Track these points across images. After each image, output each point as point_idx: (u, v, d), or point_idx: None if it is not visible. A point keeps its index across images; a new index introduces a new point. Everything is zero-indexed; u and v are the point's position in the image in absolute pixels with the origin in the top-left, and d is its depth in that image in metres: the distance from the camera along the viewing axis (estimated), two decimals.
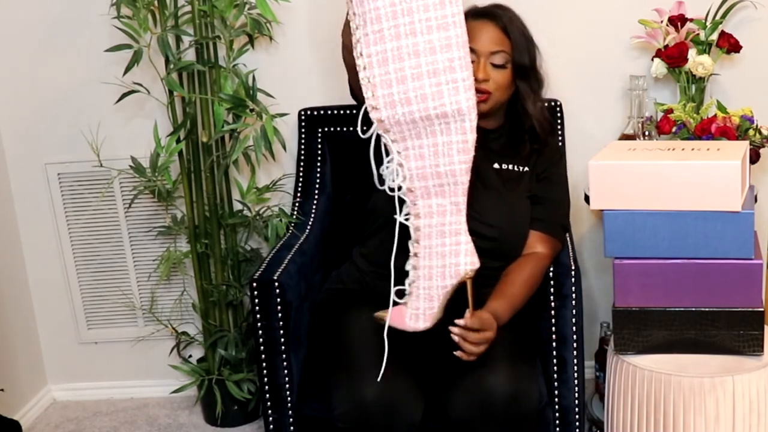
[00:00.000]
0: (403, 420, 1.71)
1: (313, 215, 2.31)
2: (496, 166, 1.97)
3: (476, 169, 1.94)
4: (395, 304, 1.72)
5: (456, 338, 1.69)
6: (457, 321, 1.69)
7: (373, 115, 1.64)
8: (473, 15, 1.95)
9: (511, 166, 1.98)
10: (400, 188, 1.68)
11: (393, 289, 1.72)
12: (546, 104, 2.06)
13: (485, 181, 1.95)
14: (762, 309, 1.84)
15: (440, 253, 1.67)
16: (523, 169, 1.99)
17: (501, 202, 1.93)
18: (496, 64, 1.91)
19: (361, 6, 1.60)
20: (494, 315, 1.77)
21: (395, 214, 1.70)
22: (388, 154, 1.67)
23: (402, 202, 1.69)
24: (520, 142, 2.01)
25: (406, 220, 1.69)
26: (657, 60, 2.30)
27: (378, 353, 1.76)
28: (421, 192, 1.66)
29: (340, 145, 2.39)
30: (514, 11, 1.97)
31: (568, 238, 2.05)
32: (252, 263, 2.46)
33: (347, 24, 1.79)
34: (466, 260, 1.66)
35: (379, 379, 1.71)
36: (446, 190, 1.64)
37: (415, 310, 1.70)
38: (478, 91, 1.90)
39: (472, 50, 1.90)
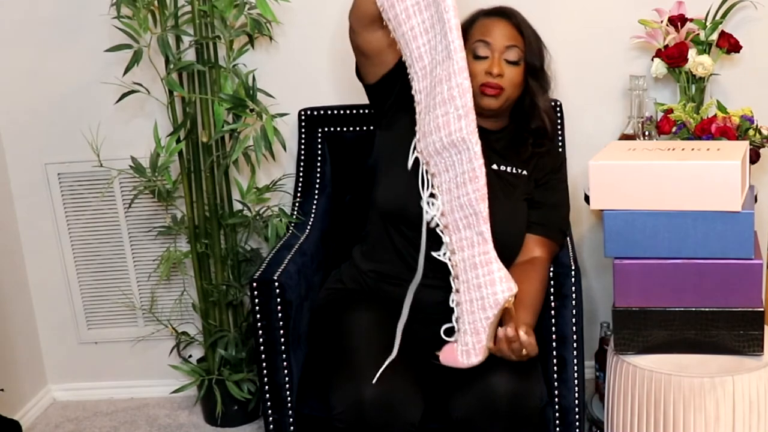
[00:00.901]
0: (401, 419, 1.71)
1: (313, 215, 2.31)
2: (494, 167, 1.97)
3: None
4: (445, 342, 1.73)
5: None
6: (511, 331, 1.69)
7: (417, 146, 1.71)
8: (485, 14, 1.97)
9: (510, 168, 1.98)
10: (437, 225, 1.70)
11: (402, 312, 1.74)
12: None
13: None
14: (762, 309, 1.84)
15: (476, 285, 1.67)
16: (521, 172, 1.98)
17: (497, 204, 1.93)
18: (509, 60, 1.91)
19: (408, 48, 1.68)
20: (524, 324, 1.76)
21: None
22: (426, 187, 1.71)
23: (439, 238, 1.71)
24: (521, 145, 2.01)
25: (444, 255, 1.71)
26: (657, 60, 2.30)
27: (377, 353, 1.77)
28: (453, 226, 1.69)
29: (340, 145, 2.39)
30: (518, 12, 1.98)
31: (567, 241, 2.05)
32: (252, 263, 2.46)
33: (355, 5, 1.81)
34: (502, 288, 1.65)
35: (375, 381, 1.70)
36: (470, 221, 1.66)
37: (465, 346, 1.69)
38: (492, 86, 1.90)
39: (486, 44, 1.91)
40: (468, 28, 1.96)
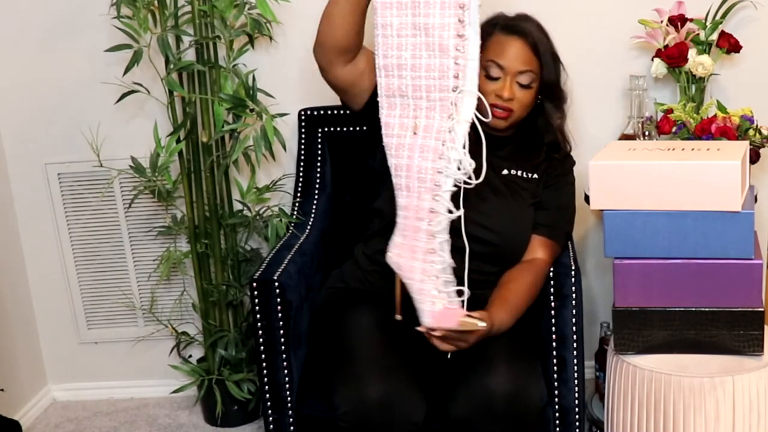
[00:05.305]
0: (405, 419, 1.71)
1: (313, 215, 2.31)
2: (504, 172, 1.97)
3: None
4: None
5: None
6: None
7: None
8: (502, 28, 1.92)
9: (519, 173, 1.97)
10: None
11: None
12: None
13: (490, 186, 1.94)
14: (762, 309, 1.84)
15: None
16: (531, 176, 1.98)
17: (505, 209, 1.93)
18: (522, 83, 1.89)
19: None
20: (497, 322, 1.78)
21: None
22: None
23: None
24: (533, 151, 2.00)
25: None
26: (657, 60, 2.30)
27: (380, 352, 1.77)
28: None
29: (340, 145, 2.39)
30: (538, 21, 1.94)
31: (568, 244, 2.05)
32: (252, 263, 2.46)
33: (318, 43, 1.80)
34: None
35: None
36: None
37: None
38: (501, 108, 1.89)
39: (499, 66, 1.88)
40: (483, 41, 1.93)
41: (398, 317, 1.76)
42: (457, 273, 1.80)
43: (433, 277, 1.68)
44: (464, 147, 1.61)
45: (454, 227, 1.70)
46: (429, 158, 1.64)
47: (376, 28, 1.64)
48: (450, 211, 1.65)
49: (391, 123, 1.69)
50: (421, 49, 1.61)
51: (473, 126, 1.62)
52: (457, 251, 1.76)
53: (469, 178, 1.62)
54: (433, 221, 1.66)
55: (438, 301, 1.68)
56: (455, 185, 1.63)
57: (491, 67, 1.89)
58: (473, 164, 1.62)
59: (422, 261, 1.69)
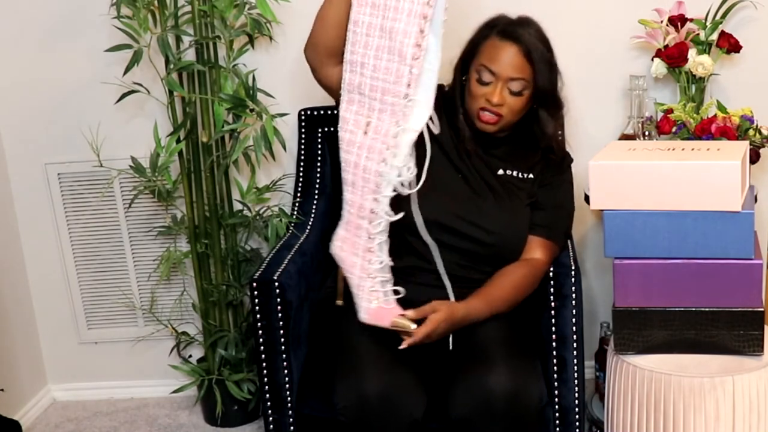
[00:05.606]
0: (405, 415, 1.72)
1: (313, 215, 2.31)
2: (500, 172, 1.96)
3: (478, 174, 1.95)
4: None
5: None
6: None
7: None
8: (498, 32, 1.89)
9: (514, 173, 1.97)
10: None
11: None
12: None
13: (486, 186, 1.94)
14: (762, 309, 1.84)
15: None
16: (527, 176, 1.97)
17: (501, 209, 1.92)
18: (512, 90, 1.87)
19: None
20: (467, 311, 1.80)
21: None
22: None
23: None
24: (529, 151, 1.99)
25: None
26: (657, 60, 2.30)
27: (380, 348, 1.77)
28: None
29: None
30: (538, 27, 1.91)
31: (568, 244, 2.04)
32: (252, 263, 2.46)
33: (309, 44, 1.83)
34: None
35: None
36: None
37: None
38: (491, 112, 1.89)
39: (491, 72, 1.88)
40: (478, 43, 1.91)
41: (339, 302, 1.87)
42: (440, 270, 1.82)
43: (371, 275, 1.73)
44: (409, 155, 1.66)
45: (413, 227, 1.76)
46: (374, 160, 1.68)
47: (350, 23, 1.69)
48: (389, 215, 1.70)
49: (347, 117, 1.73)
50: (384, 51, 1.64)
51: (422, 135, 1.66)
52: (427, 249, 1.77)
53: (409, 186, 1.68)
54: (373, 222, 1.70)
55: (374, 300, 1.73)
56: (394, 190, 1.68)
57: (483, 72, 1.88)
58: (414, 172, 1.66)
59: (362, 258, 1.74)
